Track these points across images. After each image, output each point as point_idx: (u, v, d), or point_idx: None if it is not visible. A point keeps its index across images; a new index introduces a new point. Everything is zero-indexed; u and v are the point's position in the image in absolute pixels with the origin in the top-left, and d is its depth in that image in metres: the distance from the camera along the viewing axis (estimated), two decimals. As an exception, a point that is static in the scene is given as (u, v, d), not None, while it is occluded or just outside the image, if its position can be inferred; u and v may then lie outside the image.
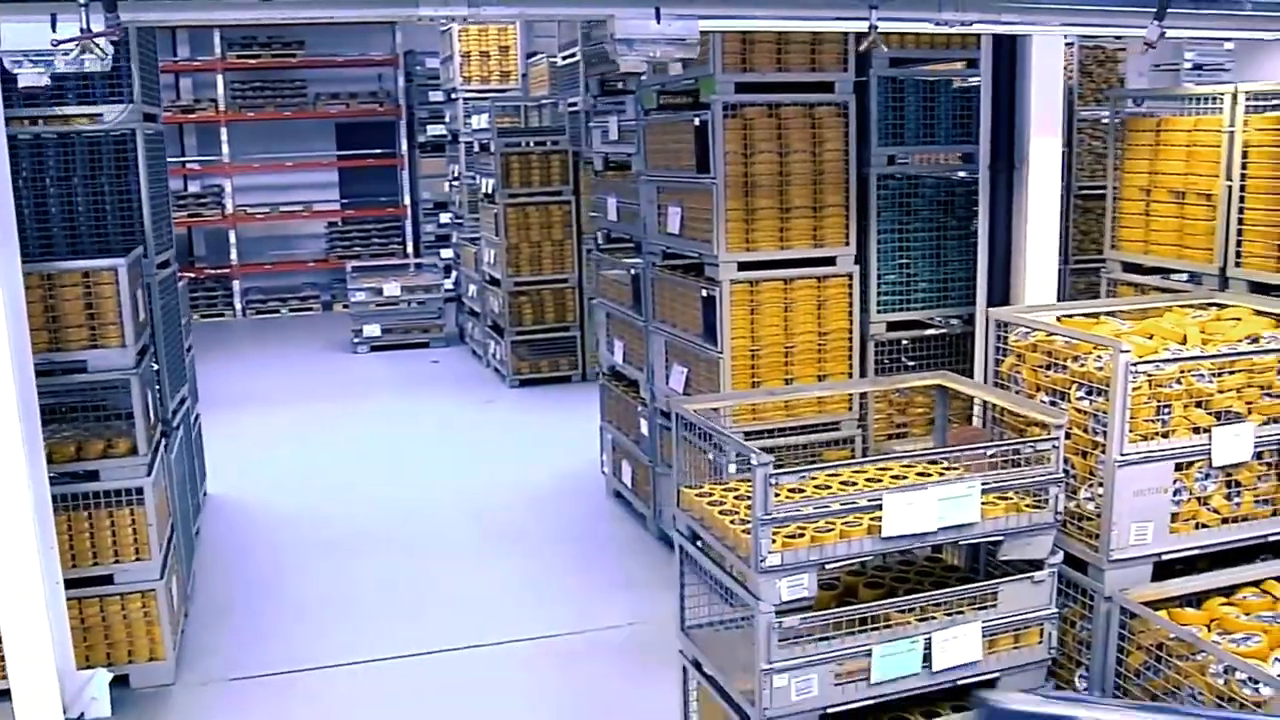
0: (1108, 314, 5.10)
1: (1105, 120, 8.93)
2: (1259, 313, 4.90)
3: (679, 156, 7.08)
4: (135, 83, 6.70)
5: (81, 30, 3.54)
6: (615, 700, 5.94)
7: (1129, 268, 5.91)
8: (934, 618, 4.17)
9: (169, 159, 9.47)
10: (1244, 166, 5.20)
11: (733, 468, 4.79)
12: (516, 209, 12.92)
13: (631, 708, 5.84)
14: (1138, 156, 5.78)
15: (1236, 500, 4.45)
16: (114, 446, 6.04)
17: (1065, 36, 6.45)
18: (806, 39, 6.60)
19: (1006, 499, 4.25)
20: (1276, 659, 3.91)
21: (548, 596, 7.28)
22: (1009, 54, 6.09)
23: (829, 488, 4.31)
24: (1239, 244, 5.23)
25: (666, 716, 5.04)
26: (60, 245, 6.80)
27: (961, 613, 4.21)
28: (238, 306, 18.91)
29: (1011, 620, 4.25)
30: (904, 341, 7.19)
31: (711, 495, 4.47)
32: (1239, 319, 4.83)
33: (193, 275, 18.00)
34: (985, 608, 4.23)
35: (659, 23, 3.69)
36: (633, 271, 8.12)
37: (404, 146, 19.82)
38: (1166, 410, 4.29)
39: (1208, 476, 4.39)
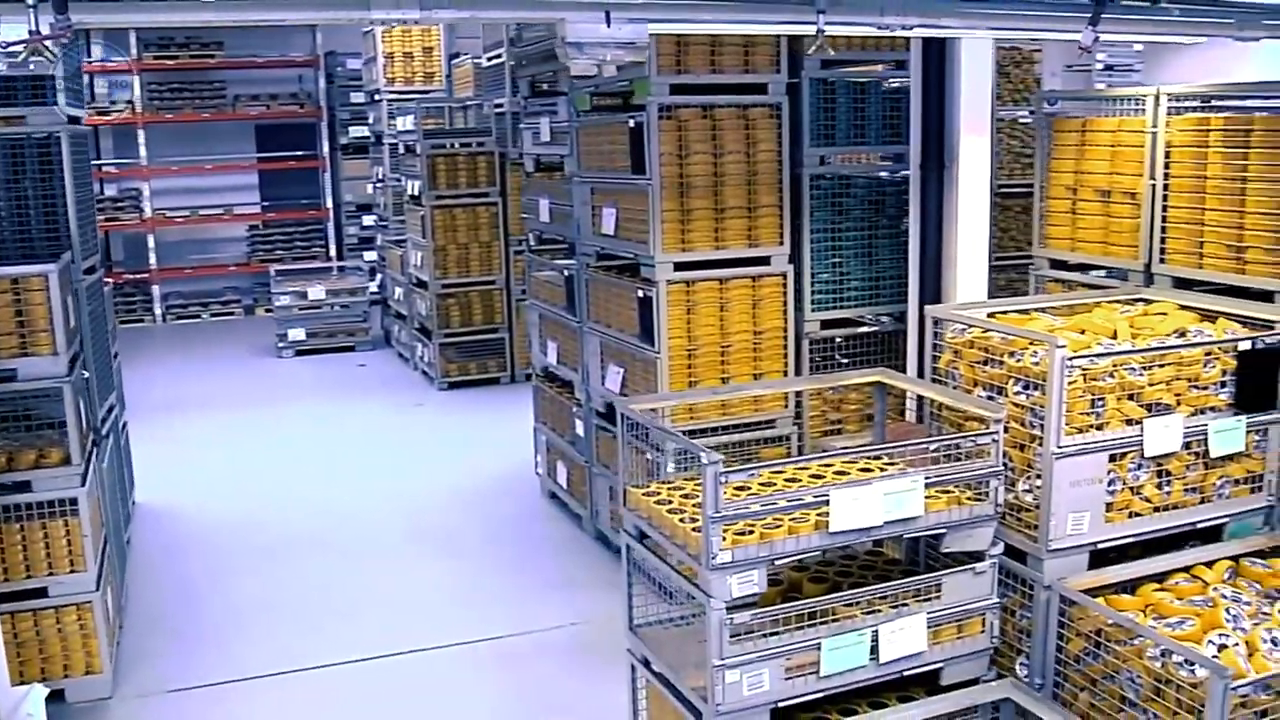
0: (1038, 310, 5.21)
1: (1023, 120, 9.13)
2: (1184, 307, 5.05)
3: (613, 158, 7.11)
4: (59, 85, 6.58)
5: (31, 32, 3.47)
6: (563, 701, 5.96)
7: (1056, 264, 6.05)
8: (880, 610, 4.24)
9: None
10: (1166, 166, 5.35)
11: (671, 466, 4.82)
12: (443, 211, 12.88)
13: (580, 707, 5.87)
14: (1064, 156, 5.92)
15: (1167, 489, 4.59)
16: (46, 456, 5.94)
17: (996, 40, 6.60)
18: (740, 41, 6.67)
19: (948, 492, 4.33)
20: (1210, 641, 4.03)
21: (488, 598, 7.28)
22: (938, 55, 6.22)
23: (774, 485, 4.37)
24: (1163, 241, 5.38)
25: (615, 715, 5.06)
26: (-16, 251, 6.68)
27: (906, 605, 4.29)
28: (158, 312, 18.61)
29: (955, 611, 4.34)
30: (837, 339, 7.29)
31: (659, 495, 4.50)
32: (1165, 314, 4.97)
33: (111, 280, 17.64)
34: (929, 599, 4.31)
35: (609, 26, 3.72)
36: (567, 273, 8.14)
37: (325, 148, 19.65)
38: (1100, 403, 4.41)
39: (1140, 467, 4.51)
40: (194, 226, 19.07)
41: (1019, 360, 4.50)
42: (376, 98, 15.98)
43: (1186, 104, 5.31)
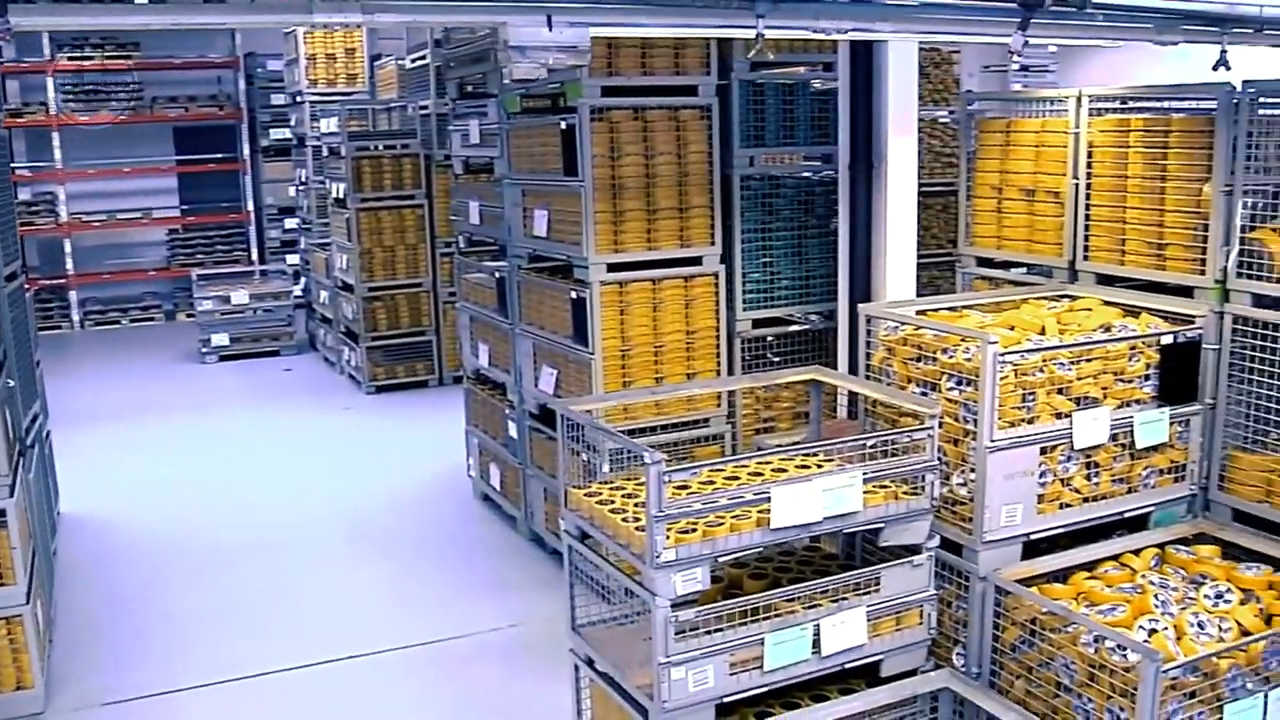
0: (967, 307, 5.33)
1: (942, 120, 9.29)
2: (1107, 303, 5.19)
3: (545, 160, 7.13)
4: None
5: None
6: (505, 702, 5.97)
7: (983, 262, 6.17)
8: (821, 605, 4.31)
9: None
10: (1089, 165, 5.49)
11: (606, 467, 4.85)
12: (369, 213, 12.80)
13: (523, 709, 5.87)
14: (989, 156, 6.04)
15: (1095, 480, 4.72)
16: (-29, 467, 5.82)
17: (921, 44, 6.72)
18: (671, 44, 6.72)
19: (885, 487, 4.41)
20: (1140, 626, 4.16)
21: (426, 602, 7.26)
22: (866, 58, 6.31)
23: (715, 483, 4.42)
24: (1086, 238, 5.52)
25: (559, 716, 5.09)
26: (-98, 259, 6.53)
27: (846, 599, 4.37)
28: (75, 318, 18.24)
29: (893, 603, 4.43)
30: (769, 338, 7.37)
31: (600, 495, 4.53)
32: (1090, 309, 5.10)
33: (28, 287, 17.26)
34: (869, 593, 4.39)
35: (551, 30, 3.75)
36: (498, 275, 8.13)
37: (246, 151, 19.39)
38: (1031, 398, 4.53)
39: (1069, 459, 4.64)
40: (112, 231, 18.72)
41: (952, 357, 4.60)
42: (298, 99, 15.82)
43: (1107, 105, 5.45)
